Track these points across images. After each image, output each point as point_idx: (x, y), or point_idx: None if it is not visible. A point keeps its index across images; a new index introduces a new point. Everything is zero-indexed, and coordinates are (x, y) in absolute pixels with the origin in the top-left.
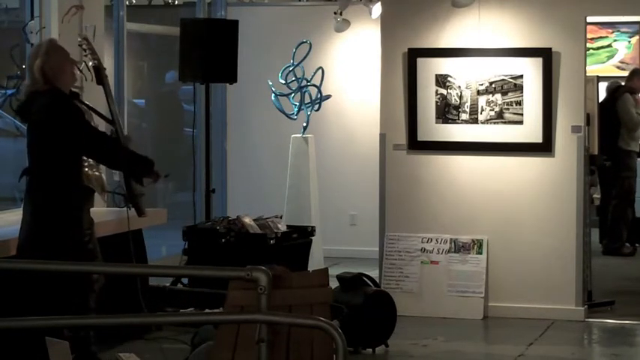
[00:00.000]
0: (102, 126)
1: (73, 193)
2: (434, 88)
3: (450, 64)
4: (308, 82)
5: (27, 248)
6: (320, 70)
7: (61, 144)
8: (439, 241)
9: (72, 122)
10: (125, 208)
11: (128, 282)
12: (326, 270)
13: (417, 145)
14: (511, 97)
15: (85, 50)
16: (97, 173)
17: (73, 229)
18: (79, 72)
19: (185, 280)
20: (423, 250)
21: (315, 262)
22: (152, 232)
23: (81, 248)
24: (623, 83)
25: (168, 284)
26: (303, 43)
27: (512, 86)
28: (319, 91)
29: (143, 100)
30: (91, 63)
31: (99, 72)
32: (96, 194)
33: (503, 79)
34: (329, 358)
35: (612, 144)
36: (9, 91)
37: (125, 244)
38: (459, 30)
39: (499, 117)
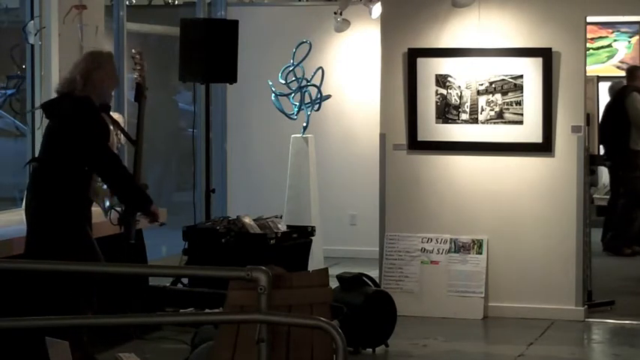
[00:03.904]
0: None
1: (74, 199)
2: (434, 88)
3: (450, 64)
4: (308, 82)
5: (31, 241)
6: (320, 70)
7: (74, 150)
8: (439, 241)
9: (90, 132)
10: (117, 225)
11: (126, 282)
12: (326, 270)
13: (417, 145)
14: (511, 97)
15: (135, 64)
16: (105, 187)
17: (71, 224)
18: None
19: (185, 280)
20: (423, 250)
21: (315, 262)
22: (152, 232)
23: (78, 242)
24: (625, 83)
25: (168, 284)
26: (303, 43)
27: (512, 86)
28: (319, 91)
29: None
30: (135, 78)
31: (140, 89)
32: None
33: (503, 79)
34: (329, 358)
35: (622, 144)
36: (9, 91)
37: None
38: (458, 30)
39: (499, 117)
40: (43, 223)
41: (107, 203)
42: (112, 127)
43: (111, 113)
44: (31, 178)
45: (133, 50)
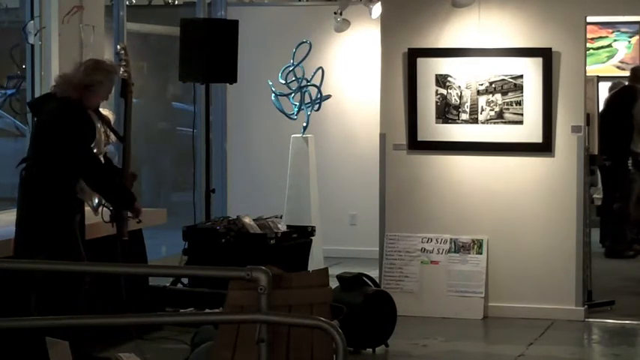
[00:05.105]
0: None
1: (62, 198)
2: (434, 88)
3: (450, 64)
4: (308, 82)
5: (20, 243)
6: (320, 70)
7: (57, 151)
8: (439, 241)
9: (71, 136)
10: (109, 223)
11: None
12: (326, 270)
13: (417, 145)
14: (511, 97)
15: (120, 60)
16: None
17: (59, 224)
18: None
19: (185, 280)
20: (423, 250)
21: (315, 262)
22: (152, 232)
23: (65, 245)
24: (626, 83)
25: (168, 284)
26: (303, 43)
27: (512, 86)
28: (319, 91)
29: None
30: (120, 74)
31: (125, 85)
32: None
33: (503, 79)
34: (329, 358)
35: (623, 146)
36: (9, 91)
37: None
38: (459, 30)
39: (499, 117)
40: (30, 223)
41: (96, 201)
42: (99, 125)
43: (101, 109)
44: (20, 177)
45: (118, 46)
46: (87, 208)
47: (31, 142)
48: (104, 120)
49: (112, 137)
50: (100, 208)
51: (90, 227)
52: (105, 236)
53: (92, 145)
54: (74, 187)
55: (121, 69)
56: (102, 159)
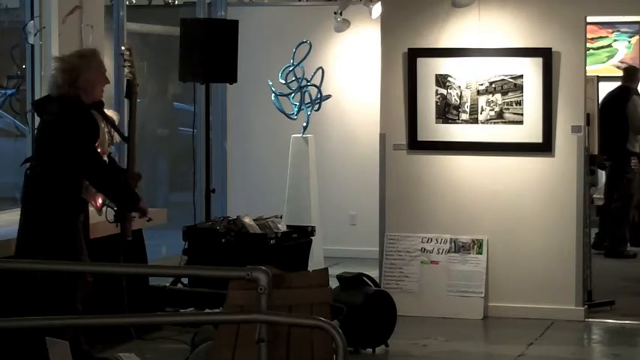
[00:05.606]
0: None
1: (66, 198)
2: (434, 88)
3: (450, 64)
4: (308, 82)
5: (22, 242)
6: (320, 70)
7: (61, 152)
8: (439, 241)
9: (74, 136)
10: (113, 223)
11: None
12: (326, 270)
13: (417, 145)
14: (511, 97)
15: (125, 61)
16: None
17: (62, 223)
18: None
19: (185, 280)
20: (423, 250)
21: (315, 262)
22: (152, 232)
23: (68, 244)
24: (622, 83)
25: (168, 284)
26: (303, 43)
27: (512, 86)
28: (319, 91)
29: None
30: (125, 75)
31: (130, 86)
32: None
33: (503, 79)
34: (329, 358)
35: (621, 147)
36: (9, 91)
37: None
38: (459, 30)
39: (499, 117)
40: (33, 222)
41: (99, 201)
42: (102, 125)
43: (105, 110)
44: (24, 177)
45: (123, 47)
46: (91, 208)
47: (35, 142)
48: (108, 120)
49: (116, 137)
50: (104, 208)
51: (93, 227)
52: (108, 236)
53: (96, 145)
54: (78, 186)
55: (126, 70)
56: (106, 159)
